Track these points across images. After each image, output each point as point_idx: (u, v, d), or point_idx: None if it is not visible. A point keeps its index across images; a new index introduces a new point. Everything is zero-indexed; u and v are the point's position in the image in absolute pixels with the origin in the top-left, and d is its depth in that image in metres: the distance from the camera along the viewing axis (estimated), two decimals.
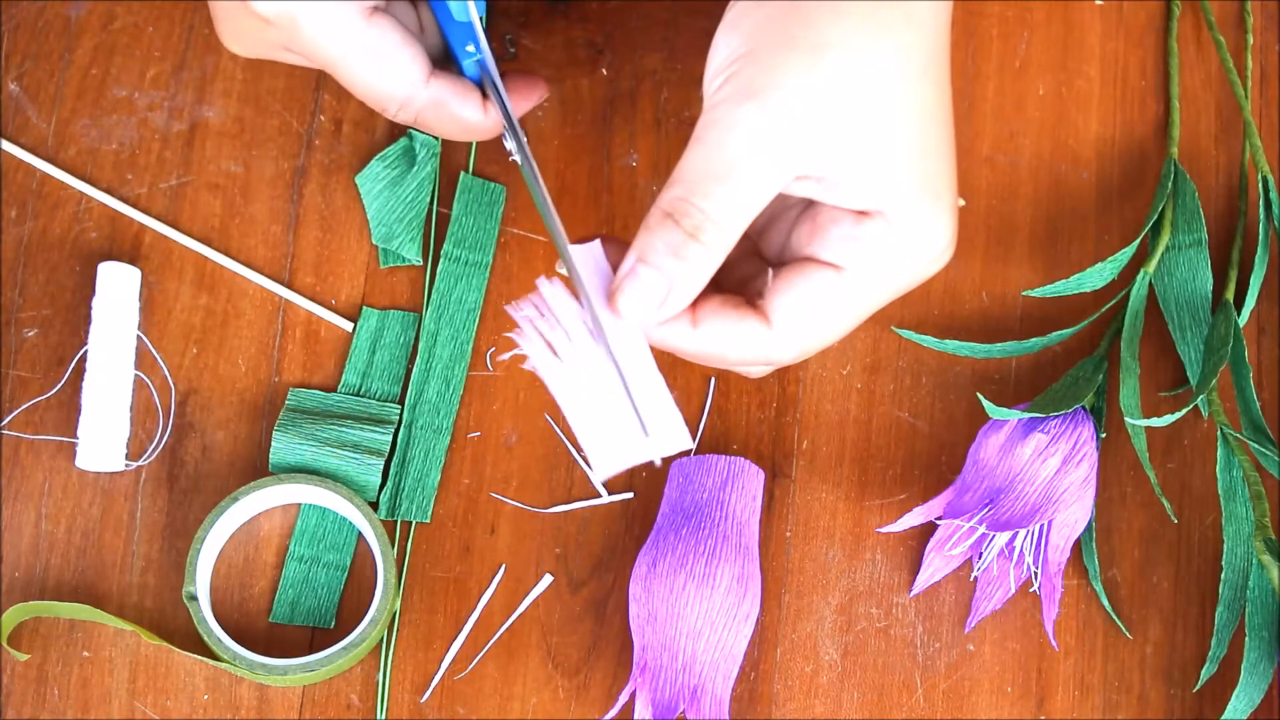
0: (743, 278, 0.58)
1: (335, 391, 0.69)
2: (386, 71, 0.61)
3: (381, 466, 0.68)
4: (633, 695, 0.64)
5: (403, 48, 0.60)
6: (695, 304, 0.55)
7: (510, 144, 0.63)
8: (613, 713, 0.64)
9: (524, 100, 0.65)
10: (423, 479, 0.68)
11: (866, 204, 0.54)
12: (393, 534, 0.68)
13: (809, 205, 0.56)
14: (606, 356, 0.55)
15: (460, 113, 0.63)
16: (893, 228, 0.54)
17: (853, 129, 0.53)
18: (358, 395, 0.69)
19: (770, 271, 0.56)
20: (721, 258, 0.53)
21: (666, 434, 0.55)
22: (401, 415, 0.69)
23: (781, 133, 0.52)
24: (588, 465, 0.69)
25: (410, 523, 0.68)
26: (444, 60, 0.64)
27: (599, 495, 0.69)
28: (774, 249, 0.59)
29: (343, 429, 0.68)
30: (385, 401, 0.69)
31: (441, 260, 0.71)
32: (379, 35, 0.60)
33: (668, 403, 0.55)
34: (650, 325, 0.55)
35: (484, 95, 0.63)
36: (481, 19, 0.62)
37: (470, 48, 0.63)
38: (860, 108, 0.52)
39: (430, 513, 0.68)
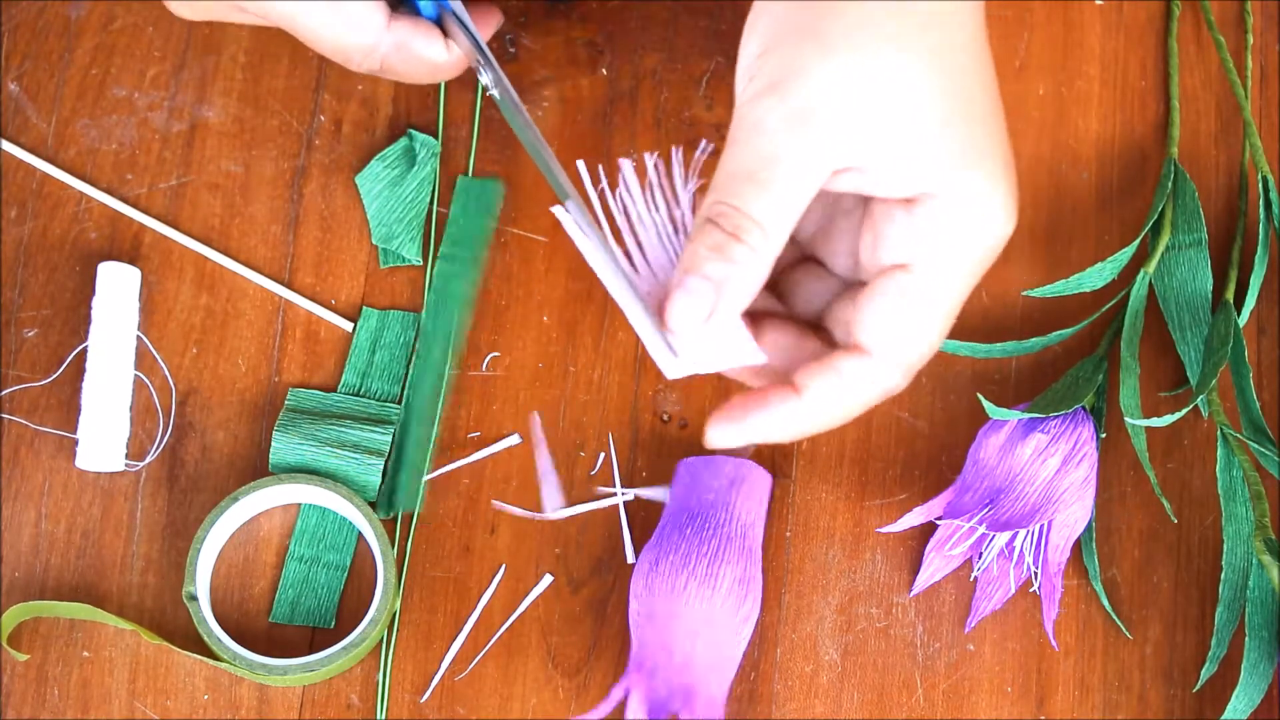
0: (822, 304, 0.57)
1: (335, 391, 0.69)
2: (345, 19, 0.60)
3: (381, 466, 0.68)
4: (627, 694, 0.64)
5: None
6: (791, 374, 0.54)
7: (486, 78, 0.61)
8: (606, 709, 0.64)
9: (482, 29, 0.64)
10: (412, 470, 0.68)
11: (911, 187, 0.52)
12: (393, 534, 0.68)
13: (866, 215, 0.55)
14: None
15: (425, 53, 0.62)
16: (946, 206, 0.52)
17: (880, 110, 0.51)
18: (357, 395, 0.69)
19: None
20: (769, 261, 0.52)
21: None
22: (403, 415, 0.69)
23: (808, 123, 0.51)
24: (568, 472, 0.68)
25: (410, 523, 0.68)
26: (398, 5, 0.63)
27: (597, 496, 0.69)
28: (843, 265, 0.57)
29: (343, 429, 0.68)
30: (385, 401, 0.69)
31: (438, 260, 0.71)
32: None
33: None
34: (702, 360, 0.53)
35: (444, 34, 0.62)
36: None
37: None
38: (886, 86, 0.51)
39: (421, 500, 0.68)
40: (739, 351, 0.53)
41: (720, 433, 0.54)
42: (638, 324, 0.53)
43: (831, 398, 0.53)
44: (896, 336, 0.53)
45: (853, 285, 0.57)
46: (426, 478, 0.68)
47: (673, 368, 0.53)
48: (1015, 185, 0.54)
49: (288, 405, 0.69)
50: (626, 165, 0.54)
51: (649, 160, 0.54)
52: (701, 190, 0.54)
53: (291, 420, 0.68)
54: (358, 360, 0.70)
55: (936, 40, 0.52)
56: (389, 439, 0.68)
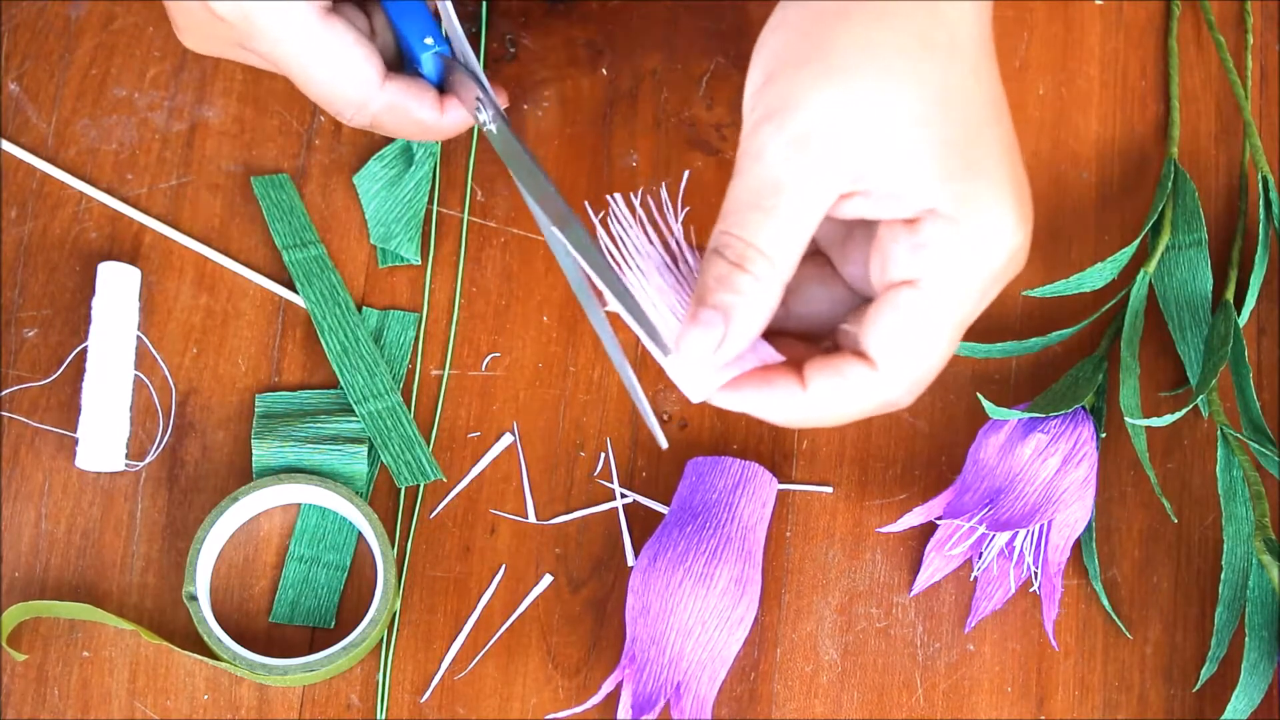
0: (828, 315, 0.57)
1: (313, 390, 0.69)
2: (341, 73, 0.61)
3: (365, 453, 0.67)
4: (619, 688, 0.64)
5: (356, 48, 0.60)
6: (798, 367, 0.54)
7: (484, 115, 0.62)
8: (595, 701, 0.63)
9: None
10: (412, 446, 0.68)
11: (914, 206, 0.52)
12: (393, 534, 0.68)
13: (875, 238, 0.54)
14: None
15: (417, 115, 0.62)
16: (949, 222, 0.52)
17: (878, 132, 0.51)
18: (323, 389, 0.69)
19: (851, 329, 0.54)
20: (776, 289, 0.52)
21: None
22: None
23: (806, 149, 0.51)
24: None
25: (410, 523, 0.68)
26: (397, 64, 0.64)
27: (598, 499, 0.69)
28: (854, 274, 0.57)
29: (318, 424, 0.68)
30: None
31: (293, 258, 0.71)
32: (334, 37, 0.60)
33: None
34: (722, 381, 0.53)
35: (441, 93, 0.63)
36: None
37: (429, 40, 0.62)
38: (883, 109, 0.51)
39: (437, 470, 0.68)
40: (755, 355, 0.54)
41: (715, 392, 0.53)
42: (660, 359, 0.54)
43: (833, 398, 0.53)
44: (903, 351, 0.53)
45: (862, 304, 0.56)
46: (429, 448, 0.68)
47: (695, 390, 0.53)
48: (1027, 200, 0.53)
49: (258, 412, 0.68)
50: (618, 200, 0.54)
51: (635, 200, 0.54)
52: (690, 218, 0.55)
53: (266, 425, 0.68)
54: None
55: (937, 60, 0.52)
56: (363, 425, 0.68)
